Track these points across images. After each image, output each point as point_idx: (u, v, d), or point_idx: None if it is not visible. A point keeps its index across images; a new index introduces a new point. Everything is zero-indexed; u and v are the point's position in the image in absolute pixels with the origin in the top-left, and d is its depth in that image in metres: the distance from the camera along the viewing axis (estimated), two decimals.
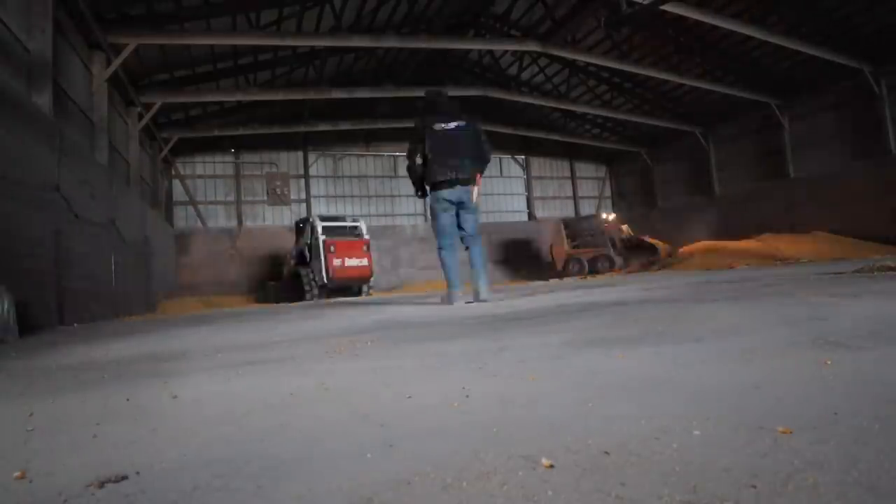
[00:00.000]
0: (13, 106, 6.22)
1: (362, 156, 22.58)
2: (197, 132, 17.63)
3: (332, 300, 11.84)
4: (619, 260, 18.79)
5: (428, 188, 4.88)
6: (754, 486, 0.74)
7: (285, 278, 15.60)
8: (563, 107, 20.06)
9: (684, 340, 2.14)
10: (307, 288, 13.40)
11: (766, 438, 0.93)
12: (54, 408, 1.64)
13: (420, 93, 17.60)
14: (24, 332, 5.13)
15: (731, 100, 18.02)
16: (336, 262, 12.67)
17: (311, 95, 16.22)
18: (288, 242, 19.35)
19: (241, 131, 18.28)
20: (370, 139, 22.31)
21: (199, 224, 19.55)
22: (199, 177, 20.02)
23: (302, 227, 15.22)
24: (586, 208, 25.85)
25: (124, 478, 0.97)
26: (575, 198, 25.85)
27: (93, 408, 1.61)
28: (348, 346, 2.71)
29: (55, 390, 1.94)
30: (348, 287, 13.51)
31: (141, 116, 13.77)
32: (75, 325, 6.78)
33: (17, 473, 1.02)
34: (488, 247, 23.16)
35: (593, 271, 18.83)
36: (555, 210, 25.24)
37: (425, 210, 22.83)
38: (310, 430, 1.22)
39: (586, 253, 19.63)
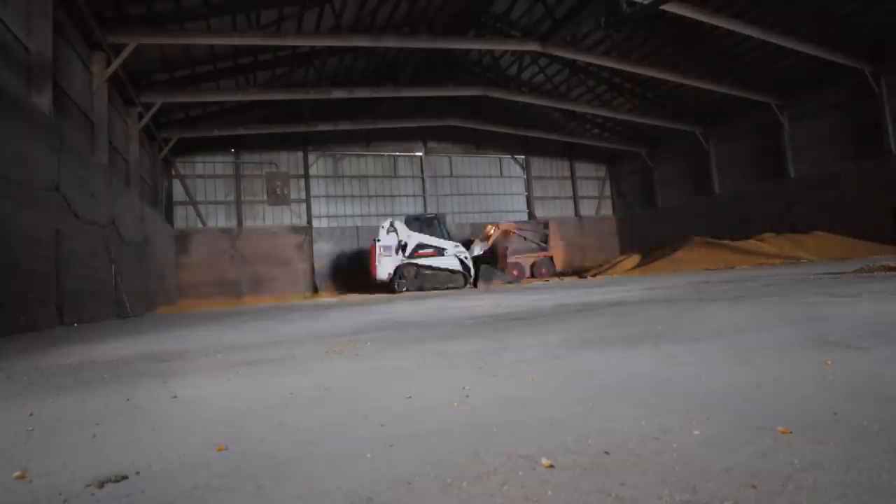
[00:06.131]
0: (13, 106, 6.21)
1: (362, 156, 22.55)
2: (197, 132, 17.61)
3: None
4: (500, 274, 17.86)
5: None
6: (754, 486, 0.74)
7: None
8: (563, 107, 20.03)
9: (684, 340, 2.14)
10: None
11: (766, 438, 0.93)
12: (54, 408, 1.64)
13: (420, 93, 17.59)
14: (23, 332, 5.13)
15: (731, 100, 18.00)
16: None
17: (311, 95, 16.19)
18: (289, 242, 20.26)
19: (241, 131, 18.27)
20: (370, 139, 22.29)
21: (200, 224, 19.55)
22: (199, 177, 20.00)
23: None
24: (586, 208, 25.84)
25: (124, 478, 0.97)
26: (575, 198, 25.81)
27: (93, 408, 1.61)
28: (348, 346, 2.72)
29: (55, 390, 1.94)
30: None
31: (141, 116, 13.76)
32: (75, 325, 6.77)
33: (17, 473, 1.02)
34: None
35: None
36: (555, 210, 25.22)
37: (425, 209, 22.84)
38: (310, 430, 1.22)
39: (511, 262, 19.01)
